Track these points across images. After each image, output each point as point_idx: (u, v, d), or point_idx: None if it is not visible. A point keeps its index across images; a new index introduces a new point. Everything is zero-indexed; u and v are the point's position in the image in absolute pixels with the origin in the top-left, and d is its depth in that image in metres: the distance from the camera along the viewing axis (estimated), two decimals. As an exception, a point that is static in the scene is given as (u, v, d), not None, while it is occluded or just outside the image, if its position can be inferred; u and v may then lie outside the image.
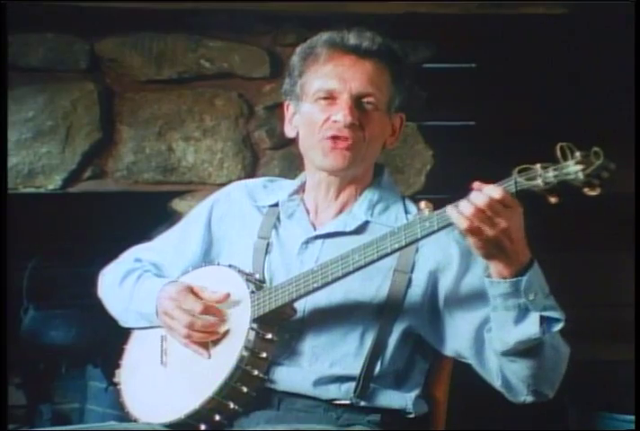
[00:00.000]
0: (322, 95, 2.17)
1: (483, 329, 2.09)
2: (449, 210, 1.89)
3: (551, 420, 3.40)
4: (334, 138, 2.15)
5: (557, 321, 1.97)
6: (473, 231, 1.87)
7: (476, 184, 1.88)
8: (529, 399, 2.08)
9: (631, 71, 3.09)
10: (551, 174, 1.80)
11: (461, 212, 1.87)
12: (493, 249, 1.89)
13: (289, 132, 2.29)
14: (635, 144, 2.91)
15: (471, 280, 2.13)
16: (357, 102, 2.16)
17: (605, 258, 3.80)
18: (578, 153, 1.79)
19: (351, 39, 2.18)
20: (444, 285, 2.15)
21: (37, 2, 3.11)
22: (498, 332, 2.01)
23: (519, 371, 2.04)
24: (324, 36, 2.21)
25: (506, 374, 2.07)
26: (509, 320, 1.96)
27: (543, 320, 1.96)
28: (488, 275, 1.96)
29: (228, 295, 2.17)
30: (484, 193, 1.85)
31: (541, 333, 1.96)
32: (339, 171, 2.20)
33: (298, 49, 2.24)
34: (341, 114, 2.14)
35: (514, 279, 1.92)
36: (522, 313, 1.95)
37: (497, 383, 2.10)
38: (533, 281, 1.93)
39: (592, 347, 3.68)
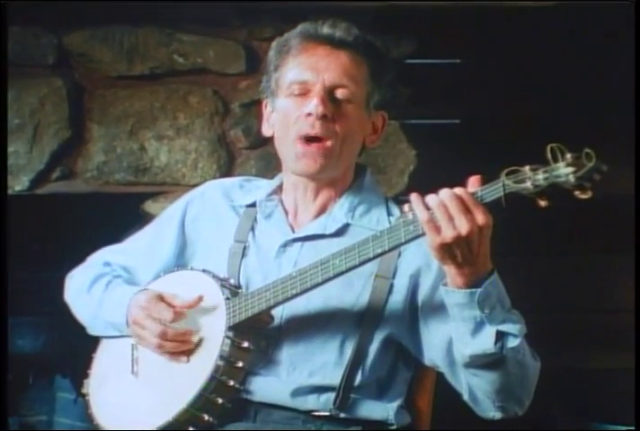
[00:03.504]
0: (295, 87, 2.15)
1: None
2: (413, 197, 1.89)
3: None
4: (306, 140, 2.12)
5: (515, 336, 1.95)
6: (430, 224, 1.85)
7: (472, 179, 1.87)
8: (498, 415, 2.07)
9: (624, 64, 3.12)
10: (541, 177, 1.78)
11: (425, 201, 1.87)
12: (447, 252, 1.87)
13: (266, 131, 2.26)
14: (636, 143, 2.89)
15: None
16: (330, 94, 2.13)
17: (604, 261, 3.79)
18: (569, 155, 1.77)
19: (325, 28, 2.15)
20: (422, 291, 2.12)
21: (35, 2, 3.12)
22: (456, 343, 2.01)
23: (482, 385, 2.03)
24: (298, 27, 2.19)
25: (472, 388, 2.06)
26: (466, 331, 1.95)
27: (500, 335, 1.94)
28: (445, 283, 1.95)
29: (201, 299, 2.13)
30: (454, 191, 1.85)
31: (497, 349, 1.94)
32: (311, 176, 2.17)
33: (274, 44, 2.22)
34: (312, 105, 2.11)
35: (468, 290, 1.91)
36: (479, 326, 1.95)
37: (465, 397, 2.09)
38: (490, 294, 1.91)
39: (587, 354, 3.69)
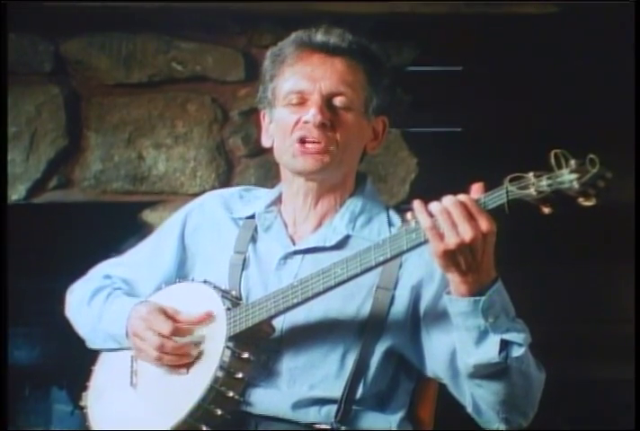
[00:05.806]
0: (293, 97, 2.14)
1: None
2: (416, 203, 1.87)
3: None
4: (304, 141, 2.12)
5: (520, 345, 1.94)
6: (433, 231, 1.84)
7: (475, 186, 1.85)
8: (502, 427, 2.04)
9: (626, 71, 3.11)
10: (544, 183, 1.77)
11: (428, 208, 1.85)
12: (450, 260, 1.85)
13: (266, 142, 2.24)
14: (635, 149, 2.90)
15: None
16: (328, 102, 2.12)
17: (603, 270, 3.77)
18: (573, 161, 1.75)
19: (319, 36, 2.15)
20: (424, 302, 2.10)
21: (34, 2, 3.12)
22: (459, 353, 1.99)
23: (485, 396, 2.00)
24: (292, 36, 2.18)
25: (476, 399, 2.03)
26: (469, 340, 1.94)
27: (504, 344, 1.93)
28: (448, 291, 1.93)
29: (208, 316, 2.11)
30: (457, 198, 1.84)
31: (502, 358, 1.93)
32: (312, 174, 2.15)
33: (268, 53, 2.22)
34: (310, 114, 2.10)
35: (472, 298, 1.89)
36: (483, 335, 1.93)
37: (469, 409, 2.07)
38: (494, 302, 1.90)
39: (587, 365, 3.68)
